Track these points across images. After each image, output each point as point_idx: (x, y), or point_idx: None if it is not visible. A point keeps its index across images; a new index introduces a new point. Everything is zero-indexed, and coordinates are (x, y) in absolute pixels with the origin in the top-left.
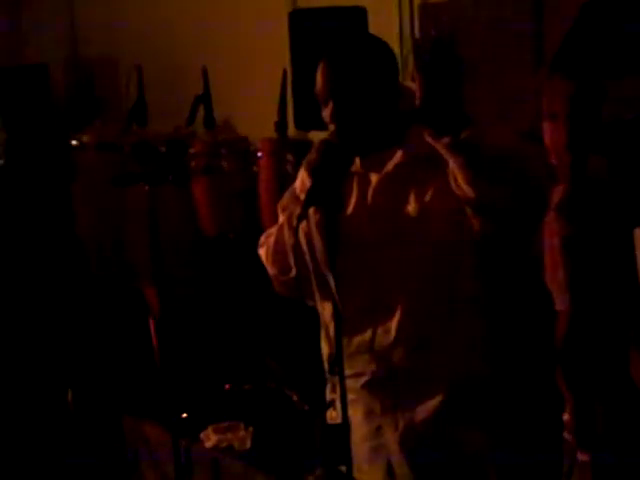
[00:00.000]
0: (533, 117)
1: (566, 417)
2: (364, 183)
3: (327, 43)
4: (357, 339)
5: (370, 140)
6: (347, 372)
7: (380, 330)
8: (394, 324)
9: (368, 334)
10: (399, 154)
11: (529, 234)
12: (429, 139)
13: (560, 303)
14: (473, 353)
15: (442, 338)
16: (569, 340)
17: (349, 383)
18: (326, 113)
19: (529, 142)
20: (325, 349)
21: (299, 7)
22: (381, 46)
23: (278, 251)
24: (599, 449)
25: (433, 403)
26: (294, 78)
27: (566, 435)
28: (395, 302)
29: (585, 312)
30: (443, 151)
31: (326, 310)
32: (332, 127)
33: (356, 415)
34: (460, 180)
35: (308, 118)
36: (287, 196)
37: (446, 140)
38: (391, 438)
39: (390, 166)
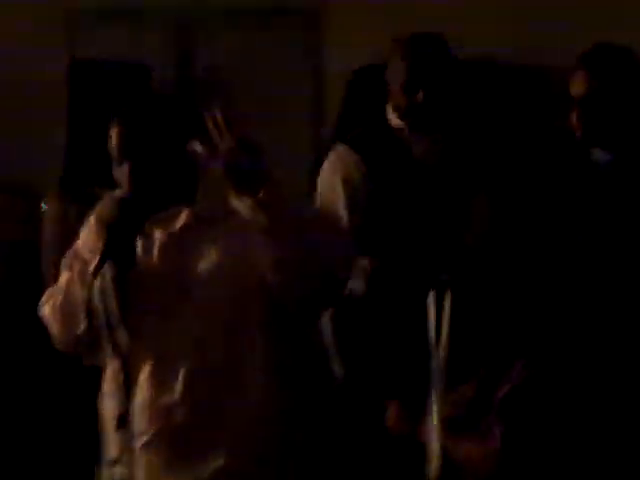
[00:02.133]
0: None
1: None
2: (149, 242)
3: (114, 101)
4: (140, 397)
5: (162, 198)
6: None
7: (164, 388)
8: (179, 384)
9: (152, 392)
10: (185, 214)
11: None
12: (234, 200)
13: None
14: (261, 417)
15: (229, 399)
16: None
17: (133, 442)
18: (121, 172)
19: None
20: (109, 406)
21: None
22: (174, 106)
23: (66, 308)
24: None
25: (215, 465)
26: (71, 131)
27: None
28: (181, 362)
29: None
30: (246, 211)
31: (114, 367)
32: (125, 185)
33: (138, 475)
34: (264, 241)
35: (86, 173)
36: (71, 255)
37: (249, 202)
38: None
39: (176, 226)
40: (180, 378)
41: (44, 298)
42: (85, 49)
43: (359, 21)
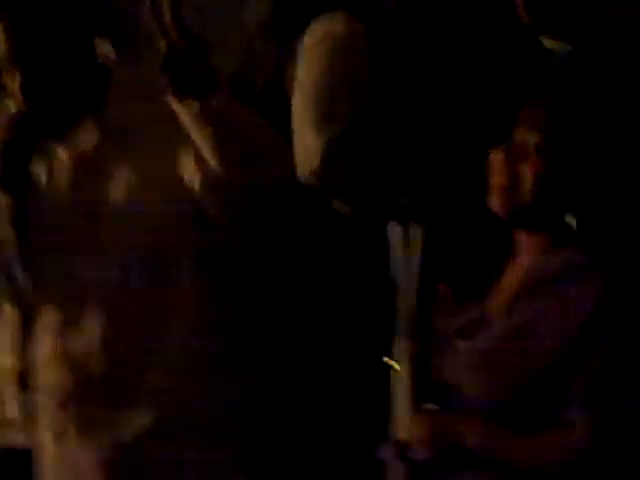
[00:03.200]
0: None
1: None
2: (51, 162)
3: None
4: (46, 348)
5: (63, 109)
6: (34, 386)
7: (75, 335)
8: (95, 330)
9: (61, 341)
10: (92, 126)
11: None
12: (174, 103)
13: None
14: (190, 370)
15: (153, 349)
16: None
17: (36, 399)
18: (12, 83)
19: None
20: (7, 361)
21: None
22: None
23: None
24: None
25: (138, 424)
26: None
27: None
28: (95, 305)
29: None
30: (187, 118)
31: (8, 312)
32: (18, 97)
33: (45, 437)
34: (206, 154)
35: None
36: None
37: (195, 107)
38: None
39: (82, 142)
40: (96, 323)
41: None
42: None
43: None
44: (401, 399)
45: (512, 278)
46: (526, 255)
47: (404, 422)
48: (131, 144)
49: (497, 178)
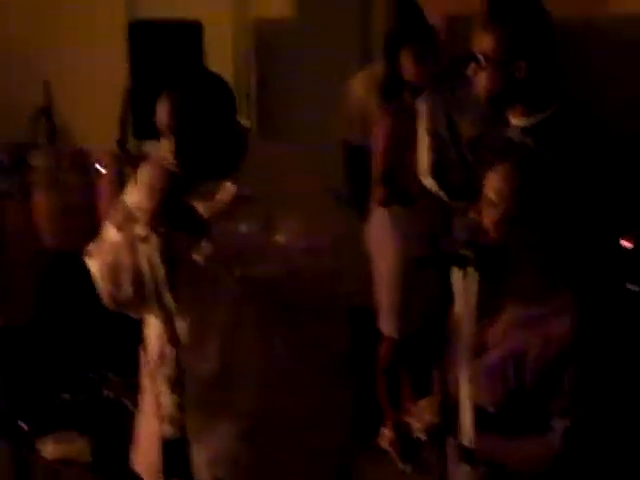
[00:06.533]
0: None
1: (387, 431)
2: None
3: (165, 58)
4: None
5: (204, 172)
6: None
7: (200, 354)
8: (214, 353)
9: (189, 359)
10: (224, 191)
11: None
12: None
13: (386, 328)
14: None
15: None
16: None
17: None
18: (167, 146)
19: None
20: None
21: (138, 18)
22: (220, 84)
23: (114, 269)
24: None
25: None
26: (133, 88)
27: (387, 447)
28: (215, 333)
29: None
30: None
31: (162, 329)
32: (172, 159)
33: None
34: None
35: (145, 128)
36: (121, 212)
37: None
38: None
39: (216, 201)
40: (213, 348)
41: (91, 248)
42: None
43: None
44: None
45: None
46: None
47: None
48: (255, 210)
49: None
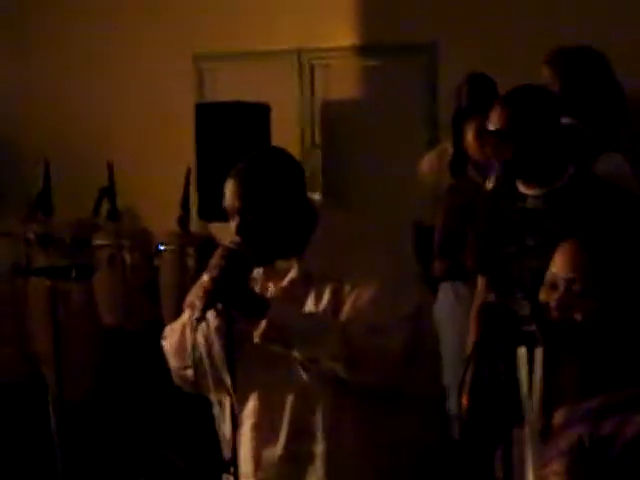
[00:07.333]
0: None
1: None
2: (263, 291)
3: (232, 139)
4: (246, 446)
5: (272, 251)
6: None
7: (268, 438)
8: (282, 437)
9: (256, 442)
10: (294, 270)
11: None
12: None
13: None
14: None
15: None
16: None
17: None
18: (233, 225)
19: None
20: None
21: (205, 100)
22: (288, 161)
23: (181, 347)
24: None
25: None
26: (199, 169)
27: None
28: (283, 414)
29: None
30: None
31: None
32: (237, 237)
33: None
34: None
35: (211, 209)
36: (194, 293)
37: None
38: None
39: (286, 280)
40: (283, 432)
41: (166, 331)
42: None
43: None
44: None
45: None
46: None
47: None
48: (321, 287)
49: None
